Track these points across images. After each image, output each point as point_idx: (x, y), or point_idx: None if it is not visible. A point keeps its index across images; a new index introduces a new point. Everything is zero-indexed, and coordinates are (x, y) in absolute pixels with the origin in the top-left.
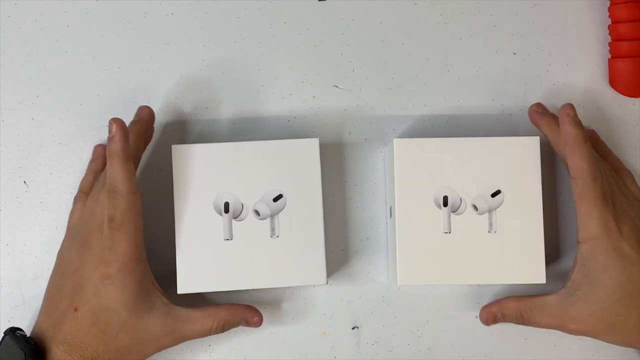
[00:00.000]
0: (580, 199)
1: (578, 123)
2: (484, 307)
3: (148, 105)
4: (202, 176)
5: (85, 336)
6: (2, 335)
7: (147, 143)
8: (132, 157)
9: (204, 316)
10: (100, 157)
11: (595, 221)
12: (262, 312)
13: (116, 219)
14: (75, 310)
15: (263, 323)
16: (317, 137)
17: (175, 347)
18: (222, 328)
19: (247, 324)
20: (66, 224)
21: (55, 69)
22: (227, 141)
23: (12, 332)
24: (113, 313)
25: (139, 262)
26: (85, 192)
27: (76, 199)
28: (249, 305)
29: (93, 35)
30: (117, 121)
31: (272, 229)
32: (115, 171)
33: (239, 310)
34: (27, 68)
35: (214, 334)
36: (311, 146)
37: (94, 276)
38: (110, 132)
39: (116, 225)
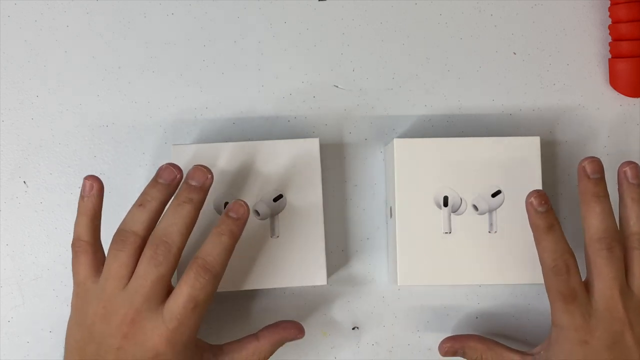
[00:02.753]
0: (547, 290)
1: (542, 212)
2: (446, 339)
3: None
4: None
5: None
6: None
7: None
8: None
9: (249, 356)
10: (96, 195)
11: (559, 313)
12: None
13: (199, 300)
14: None
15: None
16: (317, 137)
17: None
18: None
19: (291, 340)
20: (66, 224)
21: (55, 69)
22: (227, 141)
23: None
24: None
25: (195, 342)
26: (86, 240)
27: (77, 249)
28: (287, 322)
29: (93, 35)
30: (246, 204)
31: (272, 229)
32: (221, 251)
33: (279, 334)
34: (27, 68)
35: None
36: (311, 146)
37: (150, 353)
38: (234, 210)
39: (195, 307)
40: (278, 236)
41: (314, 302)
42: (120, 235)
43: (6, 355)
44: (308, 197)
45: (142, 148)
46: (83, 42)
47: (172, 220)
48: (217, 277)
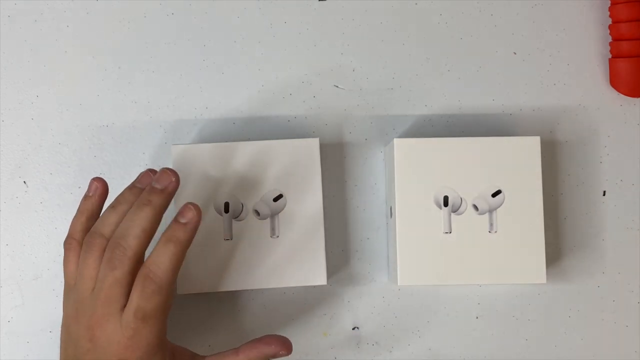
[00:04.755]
0: None
1: None
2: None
3: (173, 170)
4: (202, 176)
5: None
6: None
7: None
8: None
9: None
10: (98, 196)
11: None
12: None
13: (146, 311)
14: None
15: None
16: (317, 137)
17: (175, 346)
18: None
19: (275, 357)
20: (66, 224)
21: (55, 69)
22: (227, 141)
23: None
24: None
25: (162, 346)
26: (77, 238)
27: (68, 246)
28: (271, 337)
29: (93, 35)
30: (197, 209)
31: (272, 229)
32: (166, 260)
33: (259, 349)
34: (27, 68)
35: None
36: (311, 146)
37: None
38: (183, 215)
39: (144, 316)
40: (278, 236)
41: (314, 302)
42: (89, 237)
43: (6, 355)
44: (308, 197)
45: (142, 148)
46: (83, 42)
47: (129, 223)
48: (162, 287)
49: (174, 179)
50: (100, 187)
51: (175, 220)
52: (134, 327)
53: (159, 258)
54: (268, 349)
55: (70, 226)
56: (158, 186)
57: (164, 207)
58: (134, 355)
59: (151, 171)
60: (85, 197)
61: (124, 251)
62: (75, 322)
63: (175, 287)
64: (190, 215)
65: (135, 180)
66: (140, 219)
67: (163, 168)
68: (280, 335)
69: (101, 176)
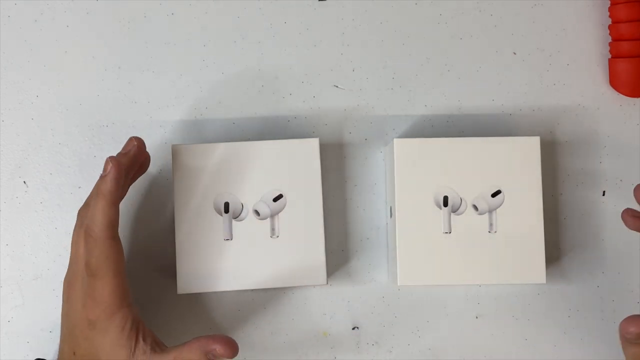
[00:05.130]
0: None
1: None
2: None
3: (138, 136)
4: (202, 176)
5: None
6: None
7: (142, 173)
8: (119, 199)
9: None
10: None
11: None
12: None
13: (92, 265)
14: (74, 354)
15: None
16: (317, 137)
17: (141, 321)
18: None
19: (214, 356)
20: (66, 224)
21: (55, 69)
22: (227, 141)
23: None
24: (99, 358)
25: (120, 307)
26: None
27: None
28: (219, 335)
29: (93, 35)
30: (113, 161)
31: (272, 229)
32: (97, 214)
33: (202, 342)
34: (27, 68)
35: None
36: (311, 146)
37: (80, 321)
38: (104, 169)
39: (92, 271)
40: (278, 236)
41: (314, 302)
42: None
43: (6, 355)
44: (308, 197)
45: None
46: (83, 42)
47: (93, 210)
48: (99, 239)
49: (112, 164)
50: (115, 170)
51: (100, 176)
52: (88, 282)
53: (93, 213)
54: (213, 346)
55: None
56: (103, 173)
57: (115, 189)
58: (93, 313)
59: (135, 139)
60: (101, 177)
61: (95, 239)
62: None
63: (120, 241)
64: (107, 167)
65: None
66: (100, 207)
67: (110, 157)
68: (227, 337)
69: (82, 206)
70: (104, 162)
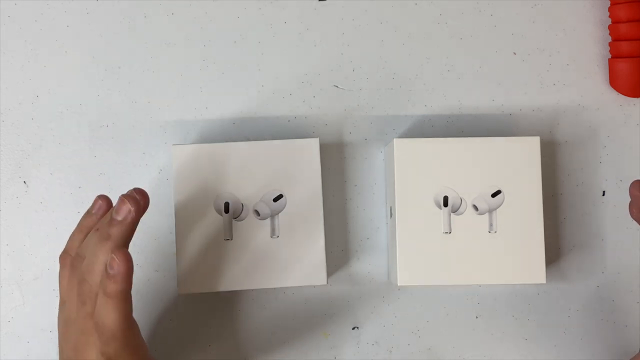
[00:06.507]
0: None
1: None
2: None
3: (134, 196)
4: (202, 176)
5: None
6: None
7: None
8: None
9: None
10: (100, 215)
11: None
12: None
13: (109, 354)
14: None
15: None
16: (317, 137)
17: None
18: None
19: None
20: (66, 224)
21: (55, 69)
22: (227, 141)
23: None
24: None
25: None
26: (72, 255)
27: (63, 262)
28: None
29: (93, 35)
30: (120, 255)
31: (272, 229)
32: (111, 313)
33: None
34: (27, 68)
35: None
36: (311, 146)
37: None
38: (111, 267)
39: (109, 357)
40: (278, 236)
41: (314, 302)
42: (61, 258)
43: (6, 355)
44: (308, 197)
45: (142, 148)
46: (83, 42)
47: (92, 259)
48: (117, 336)
49: (132, 209)
50: (103, 205)
51: (108, 272)
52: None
53: (105, 313)
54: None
55: (68, 241)
56: (118, 217)
57: (127, 236)
58: None
59: (100, 198)
60: (88, 213)
61: (90, 287)
62: (64, 340)
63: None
64: (114, 264)
65: (91, 206)
66: (103, 254)
67: (122, 196)
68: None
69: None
70: (103, 162)
